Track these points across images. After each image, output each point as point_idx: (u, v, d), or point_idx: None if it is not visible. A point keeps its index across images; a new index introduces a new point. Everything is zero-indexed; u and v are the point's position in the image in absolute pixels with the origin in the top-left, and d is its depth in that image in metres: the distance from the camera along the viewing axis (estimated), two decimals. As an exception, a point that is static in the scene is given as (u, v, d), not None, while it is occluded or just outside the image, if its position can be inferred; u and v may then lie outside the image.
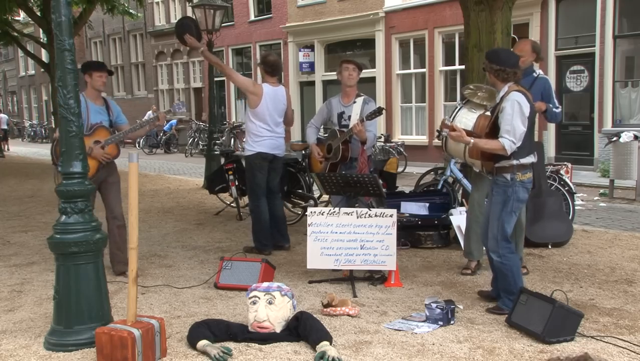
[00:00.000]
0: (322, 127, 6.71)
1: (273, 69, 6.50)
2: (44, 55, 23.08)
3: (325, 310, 4.50)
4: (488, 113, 4.73)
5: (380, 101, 17.67)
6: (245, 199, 9.03)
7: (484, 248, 5.20)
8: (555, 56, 14.61)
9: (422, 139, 17.77)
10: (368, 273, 5.47)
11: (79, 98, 4.01)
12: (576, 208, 7.82)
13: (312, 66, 21.10)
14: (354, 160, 6.03)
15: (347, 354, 3.74)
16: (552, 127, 14.57)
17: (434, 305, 4.28)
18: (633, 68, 13.91)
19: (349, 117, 6.00)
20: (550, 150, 14.45)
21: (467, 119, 4.82)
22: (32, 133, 35.78)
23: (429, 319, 4.27)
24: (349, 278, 5.21)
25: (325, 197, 8.25)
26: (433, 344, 3.90)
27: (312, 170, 6.72)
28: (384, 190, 5.54)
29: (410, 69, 18.36)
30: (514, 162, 4.43)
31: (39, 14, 16.74)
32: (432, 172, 8.34)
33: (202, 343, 3.77)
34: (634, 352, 3.73)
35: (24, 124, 39.46)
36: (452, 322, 4.27)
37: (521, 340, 3.96)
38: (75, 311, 3.93)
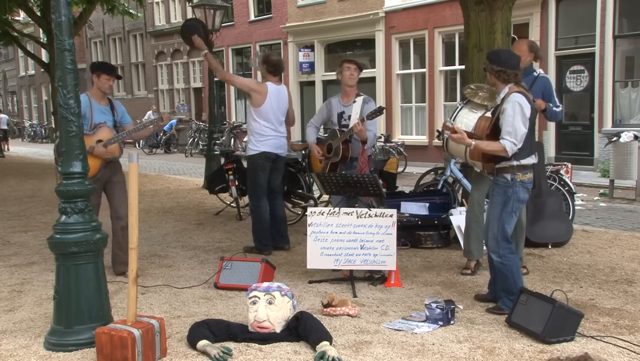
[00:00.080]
0: (322, 127, 6.71)
1: (276, 69, 6.52)
2: (44, 56, 23.08)
3: (325, 310, 4.50)
4: (489, 114, 4.73)
5: (380, 101, 17.66)
6: (245, 199, 9.04)
7: (485, 248, 5.21)
8: (555, 56, 14.61)
9: (422, 139, 17.78)
10: (368, 273, 5.47)
11: (79, 98, 4.00)
12: (576, 208, 7.83)
13: (312, 65, 21.10)
14: (354, 160, 6.03)
15: (347, 354, 3.74)
16: (552, 127, 14.57)
17: (434, 305, 4.28)
18: (633, 68, 13.91)
19: (349, 116, 6.00)
20: (550, 150, 14.46)
21: (468, 119, 4.82)
22: (32, 133, 35.79)
23: (429, 319, 4.27)
24: (349, 278, 5.21)
25: (325, 197, 8.25)
26: (433, 344, 3.90)
27: (312, 170, 6.72)
28: (384, 190, 5.54)
29: (410, 69, 18.37)
30: (515, 163, 4.43)
31: (39, 14, 16.74)
32: (432, 172, 8.34)
33: (202, 343, 3.77)
34: (634, 352, 3.73)
35: (24, 124, 39.48)
36: (452, 322, 4.27)
37: (521, 340, 3.96)
38: (75, 311, 3.93)
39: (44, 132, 34.38)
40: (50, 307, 4.25)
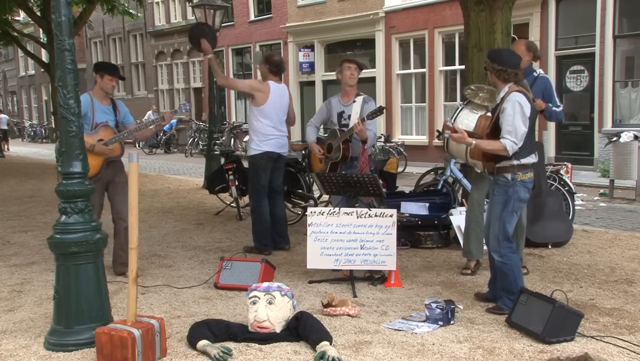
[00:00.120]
0: (322, 126, 6.71)
1: (278, 69, 6.54)
2: (44, 56, 23.07)
3: (325, 310, 4.50)
4: (489, 114, 4.73)
5: (380, 101, 17.66)
6: (245, 199, 9.04)
7: (485, 248, 5.21)
8: (555, 56, 14.61)
9: (422, 139, 17.78)
10: (368, 273, 5.47)
11: (79, 98, 4.00)
12: (576, 208, 7.83)
13: (312, 65, 21.10)
14: (354, 159, 6.03)
15: (347, 354, 3.74)
16: (552, 127, 14.57)
17: (434, 305, 4.28)
18: (633, 68, 13.91)
19: (349, 116, 6.00)
20: (550, 150, 14.46)
21: (468, 120, 4.82)
22: (32, 133, 35.79)
23: (429, 319, 4.27)
24: (349, 278, 5.21)
25: (325, 197, 8.25)
26: (433, 344, 3.90)
27: (312, 170, 6.72)
28: (384, 190, 5.54)
29: (410, 69, 18.37)
30: (515, 162, 4.43)
31: (39, 14, 16.73)
32: (432, 172, 8.34)
33: (202, 343, 3.77)
34: (634, 352, 3.73)
35: (24, 124, 39.48)
36: (452, 322, 4.27)
37: (521, 340, 3.96)
38: (75, 311, 3.93)
39: (44, 132, 34.39)
40: (50, 307, 4.25)
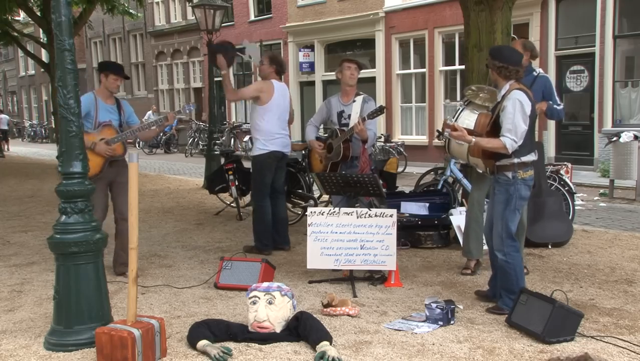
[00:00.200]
0: (321, 126, 6.71)
1: (283, 69, 6.62)
2: (44, 56, 23.07)
3: (325, 310, 4.50)
4: (489, 111, 4.73)
5: (380, 101, 17.66)
6: (245, 199, 9.04)
7: (485, 248, 5.21)
8: (555, 56, 14.61)
9: (422, 139, 17.78)
10: (368, 273, 5.47)
11: (79, 98, 4.00)
12: (576, 208, 7.83)
13: (312, 66, 21.10)
14: (354, 159, 6.03)
15: (347, 354, 3.74)
16: (552, 127, 14.58)
17: (434, 305, 4.28)
18: (633, 68, 13.91)
19: (349, 116, 6.00)
20: (550, 150, 14.46)
21: (469, 120, 4.80)
22: (32, 133, 35.79)
23: (429, 319, 4.27)
24: (349, 278, 5.21)
25: (325, 197, 8.25)
26: (433, 344, 3.90)
27: (312, 170, 6.72)
28: (384, 190, 5.54)
29: (410, 69, 18.37)
30: (515, 160, 4.44)
31: (39, 14, 16.73)
32: (432, 172, 8.34)
33: (202, 343, 3.77)
34: (634, 352, 3.73)
35: (24, 124, 39.48)
36: (452, 322, 4.27)
37: (521, 340, 3.96)
38: (75, 311, 3.93)
39: (44, 132, 34.40)
40: (50, 307, 4.25)
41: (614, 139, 10.67)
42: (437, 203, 7.18)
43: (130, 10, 19.24)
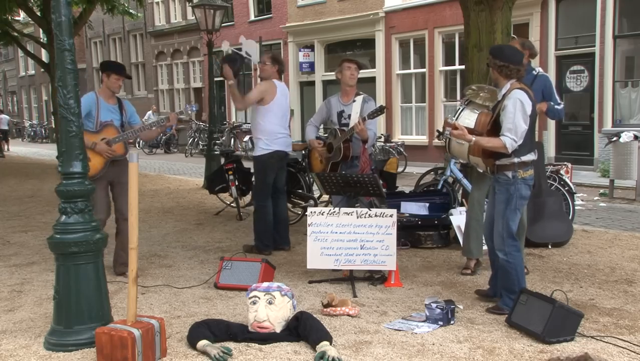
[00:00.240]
0: (321, 126, 6.72)
1: (283, 68, 6.64)
2: (44, 56, 23.07)
3: (325, 310, 4.50)
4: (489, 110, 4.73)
5: (380, 101, 17.66)
6: (245, 199, 9.05)
7: (485, 247, 5.21)
8: (555, 56, 14.61)
9: (422, 139, 17.78)
10: (368, 273, 5.47)
11: (79, 98, 4.00)
12: (576, 208, 7.83)
13: (312, 66, 21.10)
14: (355, 159, 6.03)
15: (347, 354, 3.74)
16: (552, 127, 14.58)
17: (434, 305, 4.28)
18: (633, 68, 13.91)
19: (349, 116, 6.00)
20: (550, 150, 14.46)
21: (469, 120, 4.80)
22: (32, 133, 35.79)
23: (429, 319, 4.27)
24: (349, 278, 5.21)
25: (325, 197, 8.25)
26: (433, 344, 3.90)
27: (312, 170, 6.72)
28: (384, 190, 5.54)
29: (410, 69, 18.37)
30: (515, 160, 4.43)
31: (39, 14, 16.72)
32: (432, 172, 8.34)
33: (202, 343, 3.77)
34: (634, 352, 3.73)
35: (24, 124, 39.47)
36: (452, 322, 4.27)
37: (521, 340, 3.96)
38: (75, 311, 3.93)
39: (44, 132, 34.39)
40: (50, 307, 4.25)
41: (614, 139, 10.67)
42: (437, 203, 7.18)
43: (130, 10, 19.24)
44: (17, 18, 23.55)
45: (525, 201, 4.67)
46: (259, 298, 4.01)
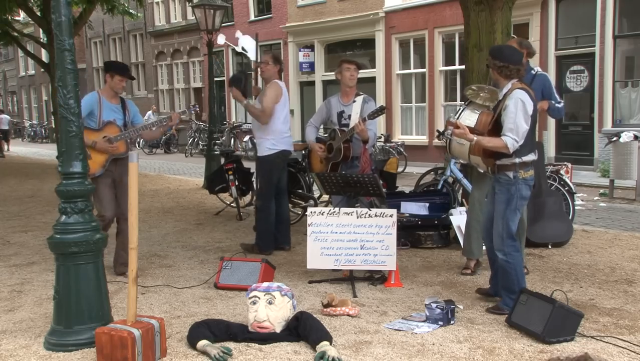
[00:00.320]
0: (321, 126, 6.71)
1: (283, 69, 6.66)
2: (44, 56, 23.07)
3: (325, 310, 4.50)
4: (490, 110, 4.73)
5: (381, 101, 17.66)
6: (245, 199, 9.05)
7: (484, 248, 5.21)
8: (555, 56, 14.61)
9: (422, 139, 17.78)
10: (368, 273, 5.47)
11: (79, 98, 4.00)
12: (576, 208, 7.82)
13: (312, 66, 21.10)
14: (355, 159, 6.02)
15: (347, 354, 3.74)
16: (552, 127, 14.57)
17: (434, 305, 4.28)
18: (633, 68, 13.91)
19: (349, 116, 5.99)
20: (550, 150, 14.45)
21: (470, 120, 4.80)
22: (32, 133, 35.78)
23: (429, 319, 4.27)
24: (349, 278, 5.21)
25: (325, 197, 8.25)
26: (433, 344, 3.90)
27: (312, 170, 6.72)
28: (384, 190, 5.54)
29: (410, 69, 18.37)
30: (516, 160, 4.43)
31: (39, 14, 16.72)
32: (432, 172, 8.34)
33: (202, 343, 3.77)
34: (634, 352, 3.73)
35: (24, 124, 39.46)
36: (452, 322, 4.27)
37: (521, 340, 3.96)
38: (75, 311, 3.93)
39: (44, 132, 34.38)
40: (50, 307, 4.25)
41: (614, 139, 10.67)
42: (437, 203, 7.18)
43: (130, 10, 19.24)
44: (17, 18, 23.55)
45: (525, 202, 4.67)
46: (259, 298, 4.01)
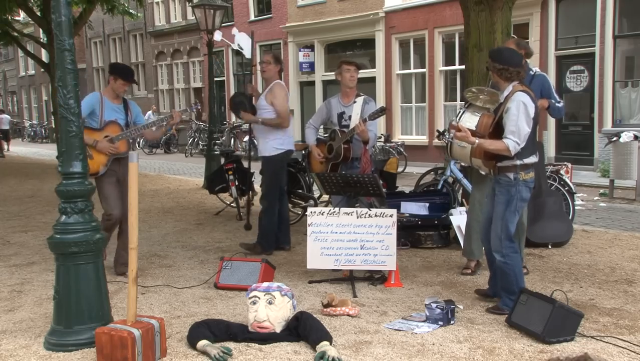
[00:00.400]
0: (321, 127, 6.71)
1: (283, 68, 6.64)
2: (44, 56, 23.07)
3: (325, 310, 4.50)
4: (491, 112, 4.73)
5: (380, 101, 17.67)
6: (245, 200, 9.04)
7: (484, 248, 5.21)
8: (555, 56, 14.61)
9: (422, 139, 17.78)
10: (368, 273, 5.47)
11: (79, 98, 4.01)
12: (576, 208, 7.82)
13: (312, 65, 21.10)
14: (355, 160, 6.02)
15: (347, 354, 3.74)
16: (552, 127, 14.58)
17: (434, 305, 4.28)
18: (633, 68, 13.91)
19: (349, 117, 5.99)
20: (550, 150, 14.46)
21: (470, 123, 4.79)
22: (32, 133, 35.78)
23: (429, 319, 4.27)
24: (349, 278, 5.21)
25: (325, 197, 8.25)
26: (433, 344, 3.90)
27: (312, 170, 6.72)
28: (384, 190, 5.54)
29: (410, 69, 18.37)
30: (518, 162, 4.43)
31: (39, 14, 16.73)
32: (432, 172, 8.35)
33: (202, 343, 3.77)
34: (634, 352, 3.73)
35: (24, 124, 39.46)
36: (452, 322, 4.27)
37: (521, 340, 3.96)
38: (75, 311, 3.93)
39: (44, 132, 34.38)
40: (50, 307, 4.25)
41: (614, 139, 10.67)
42: (437, 203, 7.18)
43: (130, 10, 19.24)
44: (17, 18, 23.55)
45: (525, 203, 4.67)
46: (259, 298, 4.01)
